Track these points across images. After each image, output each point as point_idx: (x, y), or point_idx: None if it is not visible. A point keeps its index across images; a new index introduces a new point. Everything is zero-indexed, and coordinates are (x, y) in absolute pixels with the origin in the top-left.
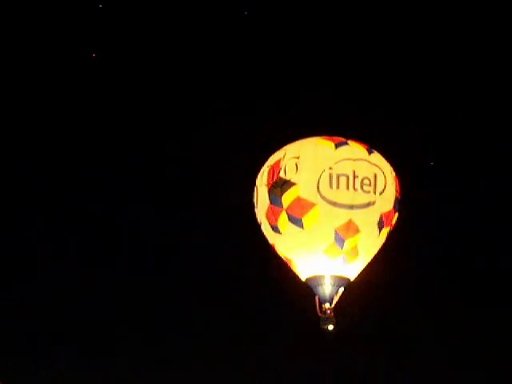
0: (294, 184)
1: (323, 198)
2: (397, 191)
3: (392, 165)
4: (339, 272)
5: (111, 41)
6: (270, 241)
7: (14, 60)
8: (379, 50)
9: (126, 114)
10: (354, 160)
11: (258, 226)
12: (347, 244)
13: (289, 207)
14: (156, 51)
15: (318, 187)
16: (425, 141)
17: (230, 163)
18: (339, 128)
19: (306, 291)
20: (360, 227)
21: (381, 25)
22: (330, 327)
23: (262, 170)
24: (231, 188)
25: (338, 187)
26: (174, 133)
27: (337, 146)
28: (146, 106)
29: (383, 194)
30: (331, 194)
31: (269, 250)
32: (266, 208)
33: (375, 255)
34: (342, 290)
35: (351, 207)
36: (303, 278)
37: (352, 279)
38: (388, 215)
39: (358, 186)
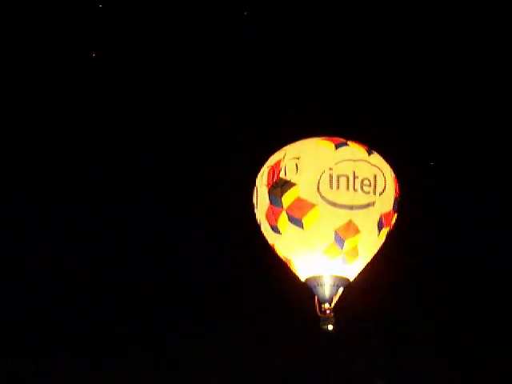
0: (294, 184)
1: (323, 198)
2: (396, 192)
3: (392, 165)
4: (339, 272)
5: (111, 41)
6: (270, 241)
7: (14, 60)
8: (379, 50)
9: (125, 113)
10: (354, 161)
11: (258, 227)
12: (347, 244)
13: (289, 208)
14: (156, 51)
15: (318, 188)
16: (425, 141)
17: (230, 163)
18: (339, 128)
19: (305, 291)
20: (360, 228)
21: (381, 25)
22: (330, 327)
23: (262, 171)
24: (231, 188)
25: (338, 188)
26: (173, 133)
27: (337, 146)
28: (145, 106)
29: (383, 194)
30: (331, 195)
31: (269, 250)
32: (266, 208)
33: (375, 255)
34: (341, 290)
35: (351, 208)
36: (303, 279)
37: (351, 279)
38: (388, 216)
39: (358, 186)
